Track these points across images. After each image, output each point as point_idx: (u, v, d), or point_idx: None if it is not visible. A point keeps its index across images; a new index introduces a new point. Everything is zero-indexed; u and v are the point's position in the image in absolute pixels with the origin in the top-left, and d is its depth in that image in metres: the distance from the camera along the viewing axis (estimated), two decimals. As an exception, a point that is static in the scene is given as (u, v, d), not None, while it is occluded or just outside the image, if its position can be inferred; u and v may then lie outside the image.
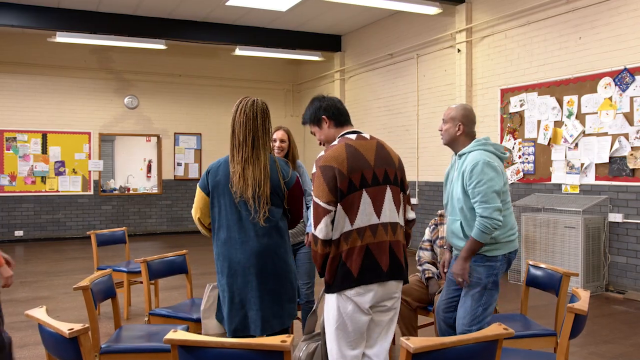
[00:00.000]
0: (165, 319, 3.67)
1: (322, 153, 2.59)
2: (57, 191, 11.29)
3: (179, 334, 1.91)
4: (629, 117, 6.14)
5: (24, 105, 11.00)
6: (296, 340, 2.91)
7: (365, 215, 2.50)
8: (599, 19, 6.44)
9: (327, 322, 2.59)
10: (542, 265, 3.57)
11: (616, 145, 6.25)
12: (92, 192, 11.58)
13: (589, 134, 6.56)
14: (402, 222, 2.66)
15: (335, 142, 2.64)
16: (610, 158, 6.32)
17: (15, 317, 5.22)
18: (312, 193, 2.59)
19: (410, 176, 9.15)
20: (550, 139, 7.03)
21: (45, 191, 11.19)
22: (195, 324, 3.55)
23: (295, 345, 2.75)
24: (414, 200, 9.37)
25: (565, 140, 6.82)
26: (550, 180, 7.06)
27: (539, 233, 6.69)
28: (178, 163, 12.44)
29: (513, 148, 7.52)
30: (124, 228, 5.94)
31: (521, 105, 7.43)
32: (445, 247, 3.62)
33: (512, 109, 7.57)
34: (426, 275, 4.04)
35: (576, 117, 6.70)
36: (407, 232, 2.73)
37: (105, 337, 3.71)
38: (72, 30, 9.56)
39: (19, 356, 4.20)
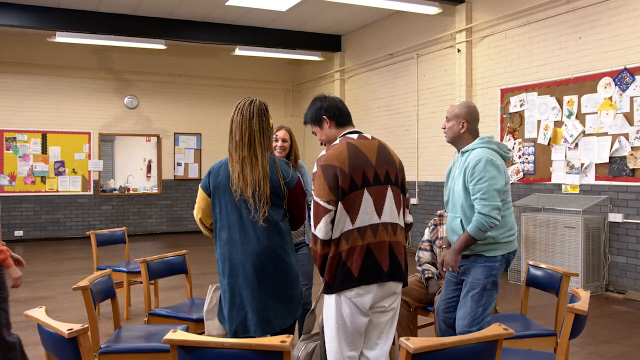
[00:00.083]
0: (164, 319, 3.68)
1: (324, 152, 2.59)
2: (57, 191, 11.29)
3: (178, 334, 1.91)
4: (629, 117, 6.14)
5: (24, 105, 11.00)
6: (295, 340, 2.91)
7: (367, 214, 2.50)
8: (599, 19, 6.43)
9: (327, 322, 2.58)
10: (542, 265, 3.57)
11: (616, 145, 6.25)
12: (92, 192, 11.59)
13: (589, 134, 6.56)
14: (402, 224, 2.65)
15: (337, 142, 2.64)
16: (610, 158, 6.32)
17: (14, 317, 5.17)
18: (312, 192, 2.59)
19: (410, 176, 9.14)
20: (550, 139, 7.02)
21: (45, 191, 11.20)
22: (195, 324, 3.55)
23: (294, 345, 2.75)
24: (414, 200, 9.37)
25: (565, 140, 6.81)
26: (550, 180, 7.06)
27: (539, 233, 6.69)
28: (178, 163, 12.44)
29: (513, 148, 7.52)
30: (123, 228, 5.94)
31: (521, 105, 7.43)
32: (444, 246, 3.62)
33: (512, 109, 7.56)
34: (426, 276, 4.04)
35: (576, 117, 6.70)
36: (405, 235, 2.73)
37: (104, 337, 3.70)
38: (72, 30, 9.57)
39: (18, 356, 4.19)
